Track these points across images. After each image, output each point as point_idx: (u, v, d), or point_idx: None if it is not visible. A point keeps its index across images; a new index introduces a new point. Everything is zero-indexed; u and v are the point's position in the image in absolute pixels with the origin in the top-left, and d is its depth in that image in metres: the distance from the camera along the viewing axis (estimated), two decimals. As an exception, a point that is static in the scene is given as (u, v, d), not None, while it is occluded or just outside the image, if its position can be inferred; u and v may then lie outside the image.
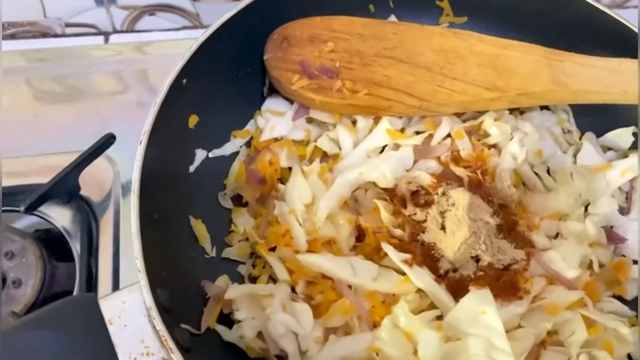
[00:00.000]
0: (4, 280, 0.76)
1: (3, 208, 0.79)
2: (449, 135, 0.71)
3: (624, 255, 0.69)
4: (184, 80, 0.67)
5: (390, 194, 0.69)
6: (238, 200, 0.73)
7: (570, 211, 0.69)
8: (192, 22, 1.05)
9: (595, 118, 0.77)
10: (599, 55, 0.68)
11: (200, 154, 0.72)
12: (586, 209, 0.70)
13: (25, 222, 0.85)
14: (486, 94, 0.69)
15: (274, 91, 0.78)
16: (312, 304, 0.63)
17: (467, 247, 0.62)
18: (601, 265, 0.68)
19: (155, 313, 0.54)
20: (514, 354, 0.54)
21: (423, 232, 0.64)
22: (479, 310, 0.57)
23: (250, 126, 0.77)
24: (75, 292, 0.78)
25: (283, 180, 0.73)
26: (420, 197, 0.68)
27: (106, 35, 1.04)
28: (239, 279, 0.68)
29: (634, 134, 0.74)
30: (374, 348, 0.58)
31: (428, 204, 0.66)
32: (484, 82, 0.69)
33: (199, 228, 0.68)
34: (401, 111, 0.72)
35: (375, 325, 0.60)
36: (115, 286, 0.78)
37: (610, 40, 0.70)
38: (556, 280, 0.64)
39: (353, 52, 0.74)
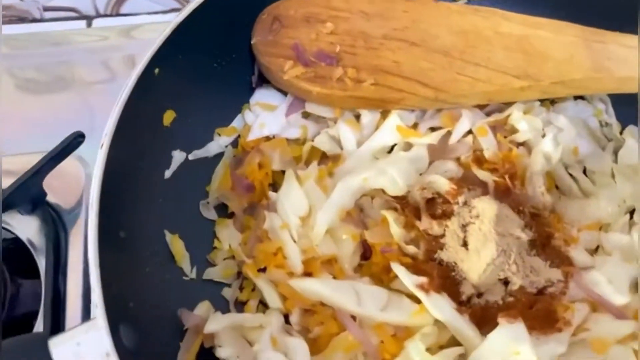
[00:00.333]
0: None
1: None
2: (470, 132, 0.66)
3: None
4: (156, 70, 0.61)
5: (401, 202, 0.62)
6: (223, 210, 0.68)
7: (612, 220, 0.63)
8: (181, 3, 1.01)
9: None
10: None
11: (178, 157, 0.65)
12: (632, 216, 0.64)
13: (-17, 233, 0.79)
14: (515, 83, 0.63)
15: (264, 81, 0.72)
16: (309, 337, 0.57)
17: (494, 268, 0.55)
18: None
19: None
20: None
21: (441, 249, 0.58)
22: (512, 349, 0.50)
23: (237, 123, 0.71)
24: (40, 315, 0.71)
25: (276, 186, 0.67)
26: (437, 206, 0.61)
27: (89, 19, 0.99)
28: (223, 305, 0.62)
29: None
30: (383, 394, 0.53)
31: (446, 216, 0.60)
32: (512, 68, 0.63)
33: (176, 245, 0.62)
34: (413, 104, 0.66)
35: (384, 365, 0.54)
36: (86, 309, 0.71)
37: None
38: (601, 306, 0.57)
39: (356, 34, 0.68)
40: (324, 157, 0.68)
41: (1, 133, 0.83)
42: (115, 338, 0.47)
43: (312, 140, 0.67)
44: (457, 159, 0.65)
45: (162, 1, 0.99)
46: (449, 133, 0.65)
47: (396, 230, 0.59)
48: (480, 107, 0.67)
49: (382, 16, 0.68)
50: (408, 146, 0.65)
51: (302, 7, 0.69)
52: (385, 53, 0.66)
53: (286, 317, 0.59)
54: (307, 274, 0.59)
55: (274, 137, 0.68)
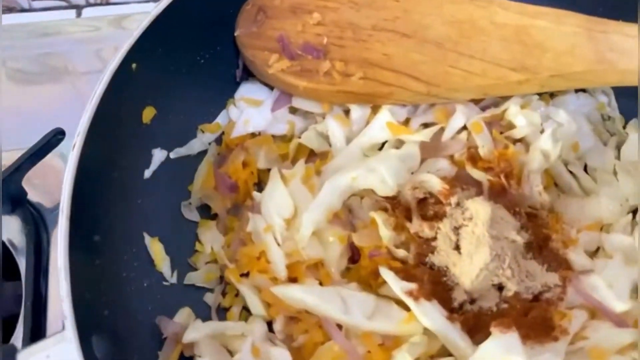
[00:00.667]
0: None
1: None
2: (464, 128, 0.64)
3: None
4: (134, 65, 0.59)
5: (392, 202, 0.60)
6: (205, 211, 0.66)
7: (614, 220, 0.62)
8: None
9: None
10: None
11: (158, 155, 0.64)
12: (634, 216, 0.62)
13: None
14: (512, 76, 0.61)
15: (250, 75, 0.71)
16: (293, 346, 0.55)
17: (488, 273, 0.54)
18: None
19: (85, 374, 0.45)
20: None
21: (432, 253, 0.57)
22: None
23: (221, 119, 0.70)
24: (20, 318, 0.69)
25: (262, 185, 0.65)
26: (428, 207, 0.59)
27: (78, 8, 0.99)
28: (205, 311, 0.60)
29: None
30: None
31: (438, 217, 0.58)
32: (509, 60, 0.61)
33: (156, 248, 0.60)
34: (405, 98, 0.64)
35: (372, 376, 0.52)
36: (69, 312, 0.68)
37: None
38: (601, 313, 0.55)
39: (344, 25, 0.66)
40: (311, 155, 0.67)
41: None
42: (86, 350, 0.46)
43: (299, 137, 0.66)
44: (451, 157, 0.63)
45: (152, -10, 0.99)
46: (442, 129, 0.64)
47: (385, 232, 0.57)
48: (475, 101, 0.66)
49: (371, 6, 0.66)
50: (399, 143, 0.63)
51: (288, -3, 0.67)
52: (374, 45, 0.64)
53: (270, 324, 0.57)
54: (292, 279, 0.57)
55: (259, 133, 0.67)
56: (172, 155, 0.65)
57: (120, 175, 0.59)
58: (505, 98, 0.65)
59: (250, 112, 0.67)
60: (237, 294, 0.60)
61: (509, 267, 0.53)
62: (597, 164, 0.65)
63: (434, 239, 0.57)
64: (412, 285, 0.53)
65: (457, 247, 0.55)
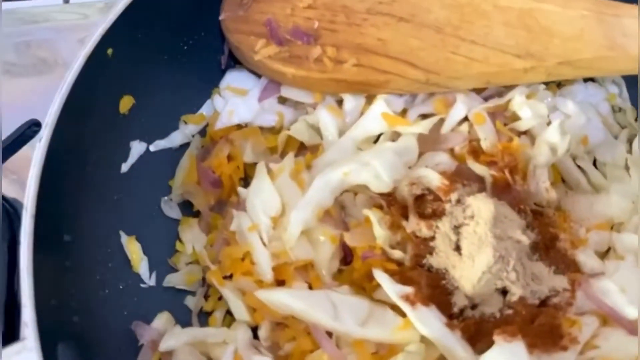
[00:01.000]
0: None
1: None
2: (465, 120, 0.62)
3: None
4: (110, 51, 0.57)
5: (387, 199, 0.58)
6: (187, 208, 0.64)
7: (625, 218, 0.60)
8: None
9: (657, 91, 0.66)
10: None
11: (137, 148, 0.62)
12: None
13: None
14: (516, 63, 0.59)
15: (236, 62, 0.69)
16: (280, 354, 0.54)
17: (491, 276, 0.51)
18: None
19: (46, 388, 0.43)
20: None
21: (430, 254, 0.55)
22: None
23: (206, 109, 0.68)
24: None
25: (248, 180, 0.63)
26: (426, 204, 0.57)
27: None
28: (185, 315, 0.58)
29: None
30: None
31: (437, 215, 0.56)
32: (513, 46, 0.59)
33: (133, 248, 0.59)
34: (401, 87, 0.62)
35: (364, 388, 0.50)
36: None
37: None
38: (613, 320, 0.52)
39: (337, 8, 0.64)
40: (301, 148, 0.65)
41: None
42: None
43: (289, 129, 0.64)
44: (451, 151, 0.61)
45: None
46: (442, 121, 0.62)
47: (380, 232, 0.55)
48: (478, 91, 0.64)
49: None
50: (395, 135, 0.62)
51: (277, -22, 0.65)
52: (369, 30, 0.62)
53: (255, 330, 0.55)
54: (279, 282, 0.55)
55: (246, 125, 0.65)
56: (152, 148, 0.63)
57: (94, 170, 0.57)
58: (510, 87, 0.63)
59: (236, 102, 0.65)
60: (221, 297, 0.57)
61: (513, 270, 0.51)
62: (608, 158, 0.63)
63: (433, 238, 0.55)
64: (409, 289, 0.50)
65: (458, 248, 0.54)
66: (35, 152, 0.50)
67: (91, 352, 0.50)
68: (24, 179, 0.74)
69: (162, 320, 0.55)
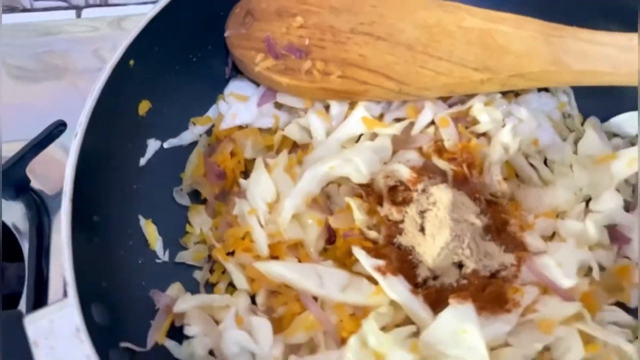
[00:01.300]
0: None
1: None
2: (432, 123, 0.66)
3: (627, 257, 0.63)
4: (132, 62, 0.61)
5: (366, 190, 0.63)
6: (196, 197, 0.68)
7: (569, 207, 0.64)
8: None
9: (600, 100, 0.70)
10: (605, 30, 0.62)
11: (153, 145, 0.66)
12: (587, 205, 0.64)
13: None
14: (474, 75, 0.63)
15: (238, 72, 0.73)
16: (274, 316, 0.58)
17: (448, 252, 0.56)
18: (602, 269, 0.61)
19: (85, 335, 0.48)
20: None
21: (400, 234, 0.59)
22: (459, 328, 0.51)
23: (212, 112, 0.72)
24: (23, 297, 0.72)
25: (248, 173, 0.67)
26: (398, 193, 0.62)
27: (78, 9, 1.01)
28: (194, 286, 0.63)
29: (643, 119, 0.67)
30: (341, 369, 0.53)
31: (406, 202, 0.61)
32: (472, 61, 0.64)
33: (150, 229, 0.63)
34: (379, 96, 0.66)
35: (343, 342, 0.55)
36: (69, 292, 0.72)
37: (619, 12, 0.63)
38: (550, 289, 0.58)
39: (325, 28, 0.68)
40: (294, 146, 0.69)
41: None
42: (86, 315, 0.48)
43: (283, 130, 0.68)
44: (419, 149, 0.65)
45: (150, -9, 0.99)
46: (412, 124, 0.66)
47: (359, 216, 0.60)
48: (443, 99, 0.68)
49: (350, 11, 0.68)
50: (374, 136, 0.66)
51: (274, 1, 0.69)
52: (352, 47, 0.66)
53: (253, 298, 0.60)
54: (274, 257, 0.60)
55: (246, 126, 0.69)
56: (166, 145, 0.67)
57: (117, 162, 0.61)
58: (471, 96, 0.67)
59: (238, 106, 0.69)
60: (224, 271, 0.62)
61: (467, 247, 0.56)
62: (556, 157, 0.67)
63: (402, 221, 0.59)
64: (381, 262, 0.55)
65: (422, 229, 0.58)
66: (72, 145, 0.54)
67: (118, 313, 0.54)
68: (49, 174, 0.83)
69: (175, 289, 0.60)
